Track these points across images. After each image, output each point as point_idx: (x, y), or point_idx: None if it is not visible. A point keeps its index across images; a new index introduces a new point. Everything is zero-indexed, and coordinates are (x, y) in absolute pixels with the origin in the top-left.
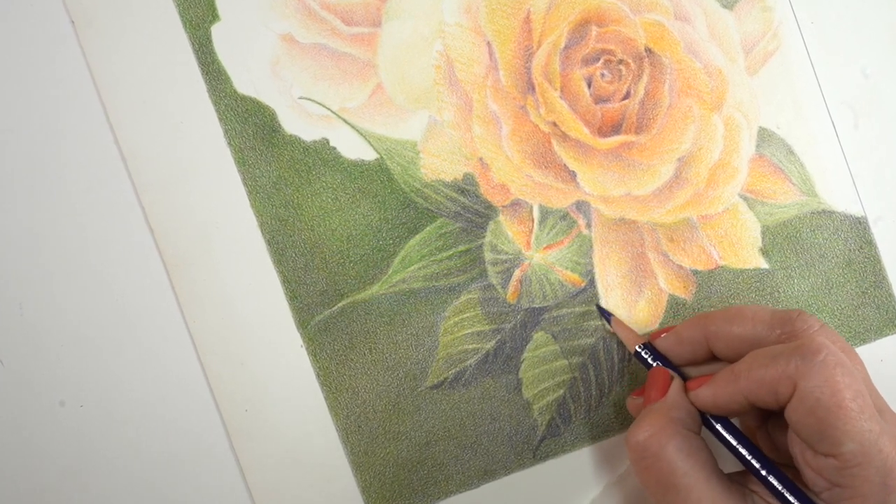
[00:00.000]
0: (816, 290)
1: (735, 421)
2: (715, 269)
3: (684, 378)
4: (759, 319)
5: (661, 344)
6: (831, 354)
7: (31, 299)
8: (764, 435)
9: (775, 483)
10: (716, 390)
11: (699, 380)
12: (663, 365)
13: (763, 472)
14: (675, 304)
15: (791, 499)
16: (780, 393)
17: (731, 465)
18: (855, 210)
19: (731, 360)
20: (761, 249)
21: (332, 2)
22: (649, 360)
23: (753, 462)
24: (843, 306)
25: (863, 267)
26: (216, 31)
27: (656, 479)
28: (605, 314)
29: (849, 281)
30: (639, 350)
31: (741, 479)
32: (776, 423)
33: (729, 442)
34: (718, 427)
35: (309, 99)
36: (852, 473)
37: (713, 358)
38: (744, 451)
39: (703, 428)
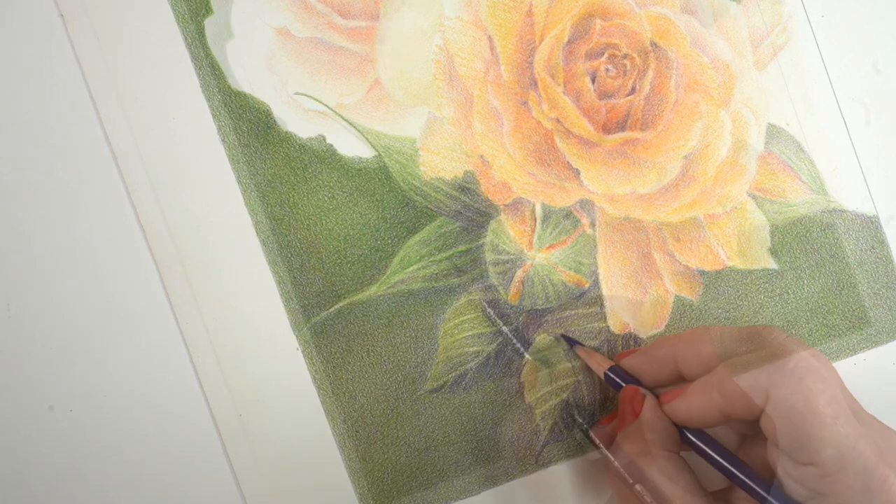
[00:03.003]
0: (827, 290)
1: None
2: (722, 269)
3: (656, 397)
4: (727, 336)
5: (630, 362)
6: (802, 361)
7: (19, 300)
8: (743, 457)
9: (760, 490)
10: (690, 402)
11: (673, 392)
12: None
13: (747, 480)
14: (681, 306)
15: None
16: (754, 403)
17: (714, 485)
18: (866, 208)
19: None
20: (770, 249)
21: None
22: (619, 381)
23: (735, 471)
24: (854, 307)
25: (874, 267)
26: (209, 25)
27: None
28: (570, 341)
29: (860, 281)
30: (608, 373)
31: (726, 496)
32: (752, 443)
33: (709, 454)
34: (697, 441)
35: (305, 95)
36: (833, 480)
37: (681, 380)
38: (724, 462)
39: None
